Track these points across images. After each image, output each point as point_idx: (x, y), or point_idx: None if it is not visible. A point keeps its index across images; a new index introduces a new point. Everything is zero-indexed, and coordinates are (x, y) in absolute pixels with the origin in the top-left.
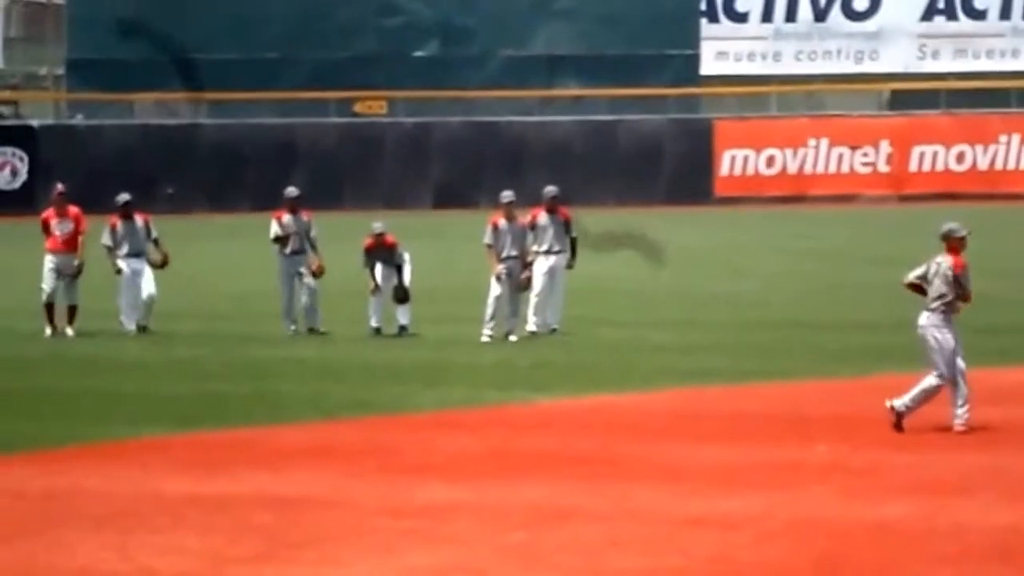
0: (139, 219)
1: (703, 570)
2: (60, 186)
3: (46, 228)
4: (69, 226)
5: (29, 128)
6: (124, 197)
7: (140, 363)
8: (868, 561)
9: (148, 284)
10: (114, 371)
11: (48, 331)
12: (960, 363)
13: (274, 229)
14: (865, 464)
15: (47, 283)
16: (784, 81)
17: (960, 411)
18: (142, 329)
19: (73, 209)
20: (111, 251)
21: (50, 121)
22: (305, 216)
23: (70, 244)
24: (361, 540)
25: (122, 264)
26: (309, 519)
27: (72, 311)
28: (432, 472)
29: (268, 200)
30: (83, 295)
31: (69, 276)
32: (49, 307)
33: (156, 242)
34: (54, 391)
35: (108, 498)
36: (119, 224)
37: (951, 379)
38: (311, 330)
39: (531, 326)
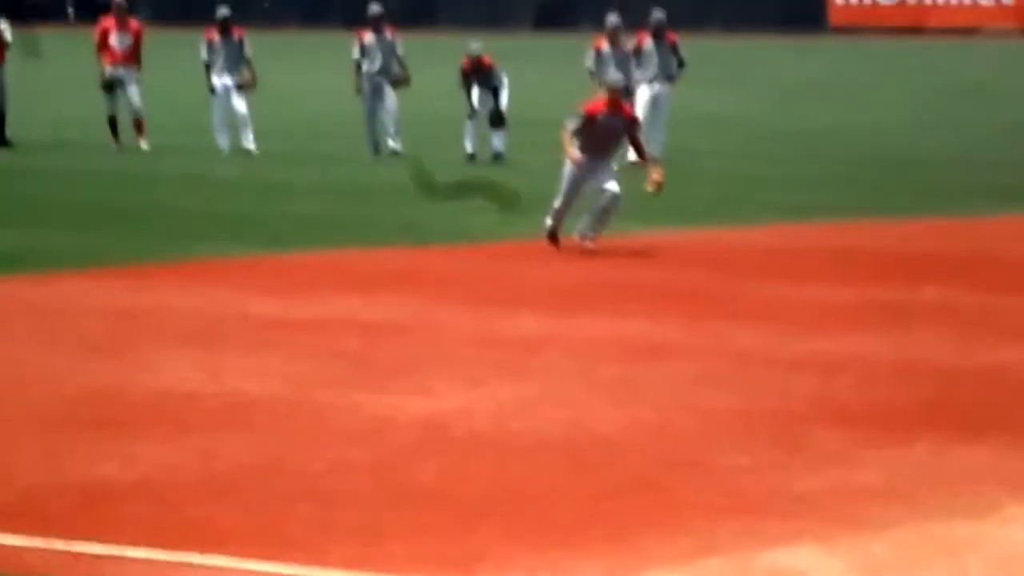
0: (236, 34)
1: (803, 412)
2: None
3: (104, 40)
4: (128, 39)
5: None
6: (224, 12)
7: (231, 182)
8: (978, 405)
9: (240, 103)
10: (205, 189)
11: (114, 145)
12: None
13: (356, 52)
14: (976, 306)
15: (107, 96)
16: None
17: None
18: (246, 152)
19: (133, 22)
20: (208, 67)
21: None
22: (389, 34)
23: (129, 57)
24: (450, 369)
25: (215, 81)
26: (398, 346)
27: (139, 123)
28: (524, 303)
29: (358, 18)
30: (178, 112)
31: (128, 88)
32: (112, 120)
33: (248, 61)
34: (144, 207)
35: (196, 317)
36: (217, 39)
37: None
38: (393, 152)
39: (632, 157)
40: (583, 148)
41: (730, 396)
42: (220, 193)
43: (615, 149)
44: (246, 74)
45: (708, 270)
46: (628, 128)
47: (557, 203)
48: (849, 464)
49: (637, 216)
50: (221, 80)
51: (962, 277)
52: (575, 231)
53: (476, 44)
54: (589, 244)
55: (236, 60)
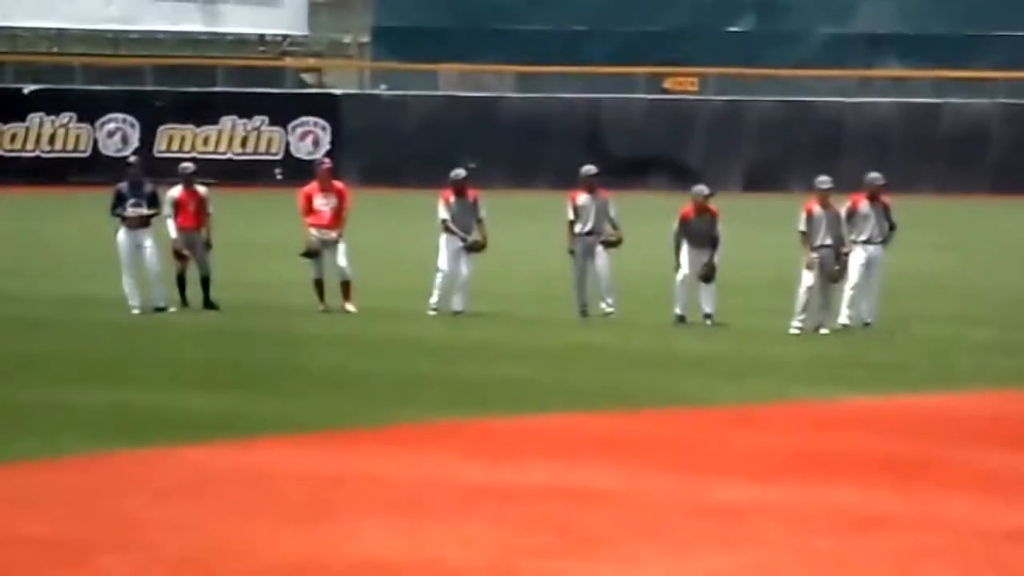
0: (471, 195)
1: None
2: (326, 161)
3: (309, 203)
4: (333, 201)
5: (332, 97)
6: (460, 172)
7: (436, 344)
8: None
9: (466, 264)
10: (409, 352)
11: (320, 307)
12: None
13: (569, 212)
14: None
15: (312, 260)
16: None
17: None
18: (455, 313)
19: (338, 184)
20: (447, 225)
21: (354, 90)
22: (602, 195)
23: (334, 220)
24: (657, 538)
25: (445, 242)
26: (603, 513)
27: (346, 287)
28: (734, 470)
29: (569, 178)
30: (387, 274)
31: (335, 251)
32: (318, 283)
33: (480, 222)
34: (346, 370)
35: (398, 484)
36: (452, 199)
37: None
38: (605, 314)
39: (844, 319)
40: None
41: (946, 570)
42: (425, 356)
43: None
44: (477, 235)
45: (922, 438)
46: None
47: None
48: None
49: (850, 382)
50: (451, 242)
51: None
52: None
53: (701, 186)
54: None
55: (470, 221)
